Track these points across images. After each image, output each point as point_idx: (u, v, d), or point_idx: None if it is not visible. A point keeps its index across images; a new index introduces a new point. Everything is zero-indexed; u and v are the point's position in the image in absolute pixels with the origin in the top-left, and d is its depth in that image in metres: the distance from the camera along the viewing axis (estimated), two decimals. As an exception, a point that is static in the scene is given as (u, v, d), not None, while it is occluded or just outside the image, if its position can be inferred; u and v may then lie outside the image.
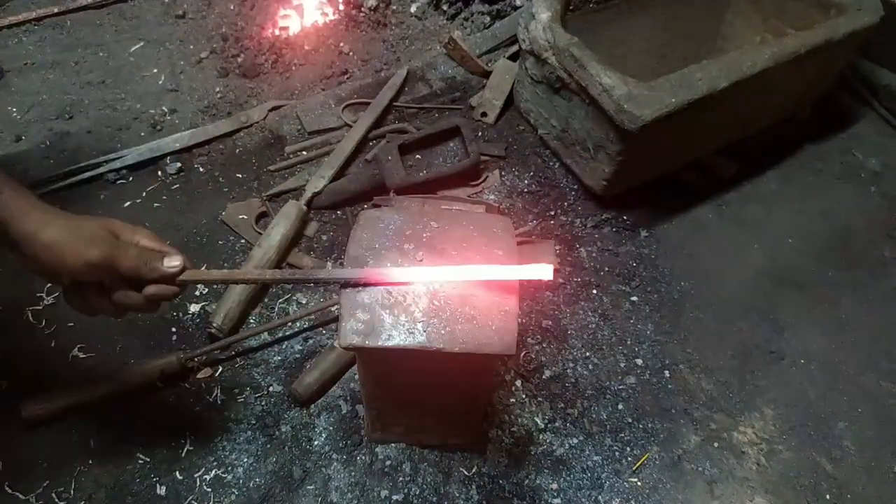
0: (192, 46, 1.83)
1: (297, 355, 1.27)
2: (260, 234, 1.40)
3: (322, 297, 1.35)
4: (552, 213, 1.54)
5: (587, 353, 1.32)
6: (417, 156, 1.60)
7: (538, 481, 1.16)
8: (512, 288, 0.83)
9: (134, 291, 0.81)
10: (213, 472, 1.13)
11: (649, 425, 1.24)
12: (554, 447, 1.19)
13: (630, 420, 1.24)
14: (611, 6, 1.63)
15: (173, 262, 0.82)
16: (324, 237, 1.46)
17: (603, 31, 1.64)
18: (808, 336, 1.40)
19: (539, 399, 1.25)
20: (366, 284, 0.82)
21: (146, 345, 1.26)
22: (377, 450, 1.16)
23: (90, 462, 1.12)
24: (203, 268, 1.37)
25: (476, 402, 1.08)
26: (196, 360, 1.23)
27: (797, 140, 1.77)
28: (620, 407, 1.26)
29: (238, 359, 1.26)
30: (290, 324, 1.30)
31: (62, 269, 0.75)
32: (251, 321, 1.31)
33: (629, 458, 1.20)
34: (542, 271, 0.80)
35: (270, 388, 1.22)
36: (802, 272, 1.51)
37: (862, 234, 1.60)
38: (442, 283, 0.83)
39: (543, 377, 1.28)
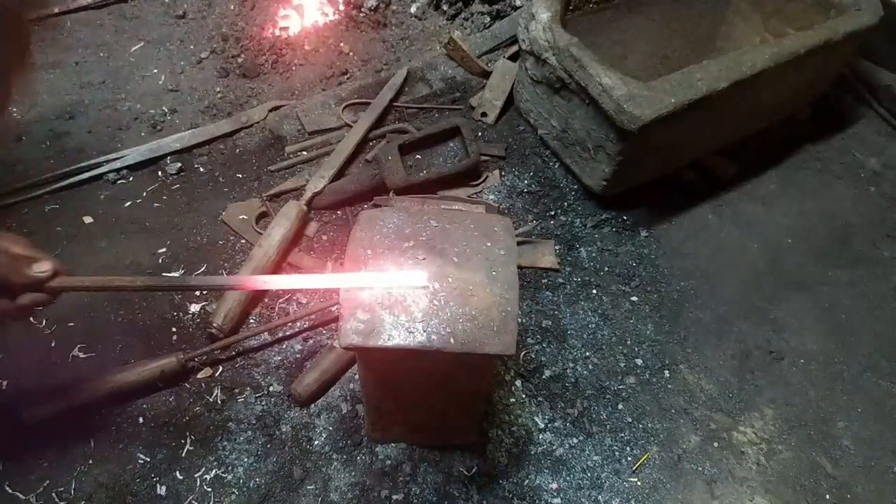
0: (192, 46, 1.83)
1: (297, 355, 1.27)
2: (260, 234, 1.40)
3: (322, 297, 1.35)
4: (552, 213, 1.54)
5: (587, 353, 1.32)
6: (417, 156, 1.60)
7: (538, 481, 1.16)
8: (511, 288, 0.84)
9: (6, 299, 0.80)
10: (214, 471, 1.13)
11: (649, 425, 1.24)
12: (554, 447, 1.20)
13: (630, 420, 1.24)
14: (610, 6, 1.64)
15: (42, 268, 0.81)
16: (324, 237, 1.46)
17: (603, 32, 1.65)
18: (807, 336, 1.40)
19: (539, 399, 1.25)
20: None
21: (146, 345, 1.26)
22: (377, 449, 1.16)
23: (90, 462, 1.12)
24: (203, 268, 1.37)
25: (476, 402, 1.08)
26: (196, 360, 1.23)
27: (797, 140, 1.77)
28: (620, 407, 1.26)
29: (238, 359, 1.26)
30: (290, 324, 1.30)
31: None
32: (251, 321, 1.31)
33: (629, 458, 1.20)
34: (415, 278, 0.81)
35: (270, 388, 1.23)
36: (802, 272, 1.51)
37: (861, 234, 1.60)
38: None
39: (543, 377, 1.28)
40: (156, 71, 1.77)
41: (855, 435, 1.27)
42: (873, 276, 1.52)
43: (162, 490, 1.10)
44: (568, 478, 1.17)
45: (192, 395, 1.21)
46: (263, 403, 1.21)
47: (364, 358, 0.95)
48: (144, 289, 1.19)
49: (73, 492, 1.09)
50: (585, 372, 1.29)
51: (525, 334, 1.33)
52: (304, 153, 1.61)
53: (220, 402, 1.20)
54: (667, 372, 1.32)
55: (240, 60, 1.77)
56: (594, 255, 1.48)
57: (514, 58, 1.79)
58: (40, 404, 1.11)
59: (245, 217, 1.46)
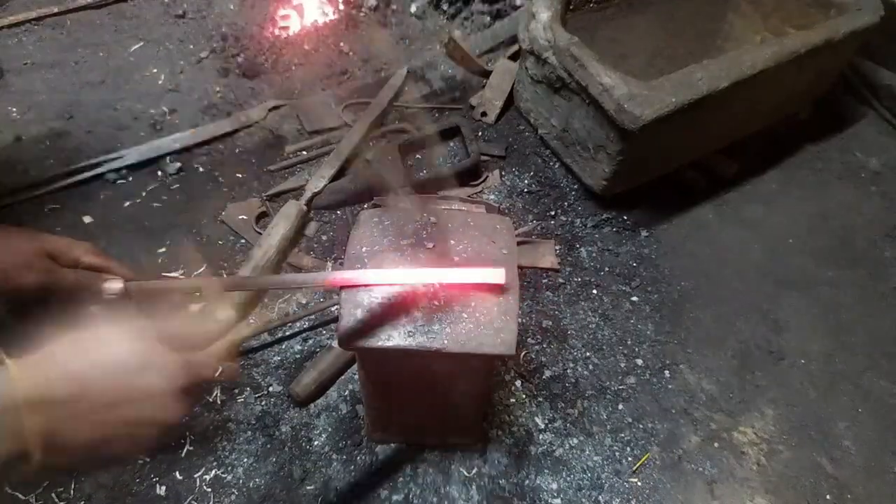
0: (191, 46, 1.83)
1: (297, 355, 1.27)
2: (260, 234, 1.39)
3: (322, 297, 1.35)
4: (552, 213, 1.54)
5: (587, 353, 1.32)
6: (417, 156, 1.60)
7: (538, 481, 1.15)
8: (512, 288, 0.83)
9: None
10: (213, 472, 1.13)
11: (649, 425, 1.24)
12: (554, 447, 1.19)
13: (630, 420, 1.24)
14: (611, 6, 1.63)
15: (113, 287, 0.77)
16: (324, 237, 1.46)
17: (603, 31, 1.64)
18: (808, 336, 1.40)
19: (539, 399, 1.25)
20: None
21: (146, 345, 1.26)
22: (377, 450, 1.16)
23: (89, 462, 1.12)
24: (203, 268, 1.37)
25: (476, 402, 1.08)
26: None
27: (797, 140, 1.77)
28: (620, 407, 1.26)
29: (238, 359, 1.26)
30: (289, 324, 1.30)
31: None
32: (251, 321, 1.31)
33: (629, 459, 1.20)
34: (494, 275, 0.80)
35: (270, 389, 1.22)
36: (802, 272, 1.51)
37: (862, 234, 1.59)
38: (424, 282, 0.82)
39: (543, 377, 1.28)
40: (155, 70, 1.76)
41: (855, 435, 1.26)
42: (874, 276, 1.51)
43: (161, 490, 1.10)
44: (568, 478, 1.16)
45: (191, 395, 1.20)
46: (263, 404, 1.21)
47: (364, 358, 0.95)
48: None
49: (72, 492, 1.08)
50: (586, 372, 1.29)
51: (525, 334, 1.33)
52: (304, 153, 1.60)
53: (219, 402, 1.20)
54: (667, 372, 1.31)
55: (239, 60, 1.77)
56: (594, 255, 1.48)
57: (514, 57, 1.79)
58: (39, 404, 1.11)
59: (245, 217, 1.45)
